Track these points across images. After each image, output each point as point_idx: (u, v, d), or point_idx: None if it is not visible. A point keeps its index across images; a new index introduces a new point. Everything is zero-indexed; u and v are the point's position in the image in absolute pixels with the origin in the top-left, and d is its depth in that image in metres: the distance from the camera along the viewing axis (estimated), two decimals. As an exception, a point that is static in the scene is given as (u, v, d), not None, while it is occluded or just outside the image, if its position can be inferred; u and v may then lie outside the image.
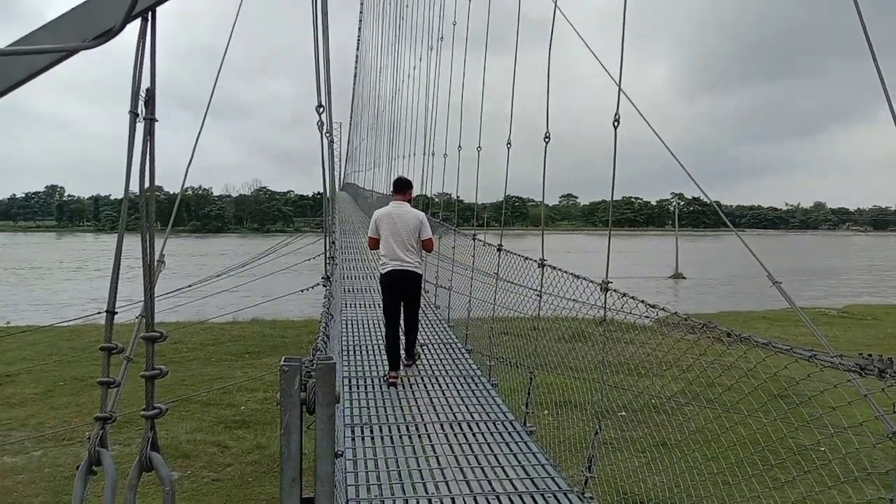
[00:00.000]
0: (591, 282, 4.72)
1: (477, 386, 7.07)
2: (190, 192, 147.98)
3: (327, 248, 4.50)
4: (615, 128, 4.38)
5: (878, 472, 2.56)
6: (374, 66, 32.84)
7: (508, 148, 6.78)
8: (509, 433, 5.74)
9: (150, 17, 1.87)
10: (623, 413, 8.73)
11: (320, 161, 4.45)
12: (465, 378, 7.37)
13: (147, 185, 1.81)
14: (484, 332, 7.86)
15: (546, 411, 7.09)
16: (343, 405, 6.15)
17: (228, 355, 19.54)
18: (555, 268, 5.52)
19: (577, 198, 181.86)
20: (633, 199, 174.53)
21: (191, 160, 3.93)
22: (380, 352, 8.40)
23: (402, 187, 7.91)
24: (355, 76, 46.52)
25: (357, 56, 45.22)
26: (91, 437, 1.91)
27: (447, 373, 7.60)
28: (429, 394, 6.79)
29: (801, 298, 36.56)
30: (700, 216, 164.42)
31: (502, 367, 7.22)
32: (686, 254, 58.73)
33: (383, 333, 7.86)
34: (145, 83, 1.77)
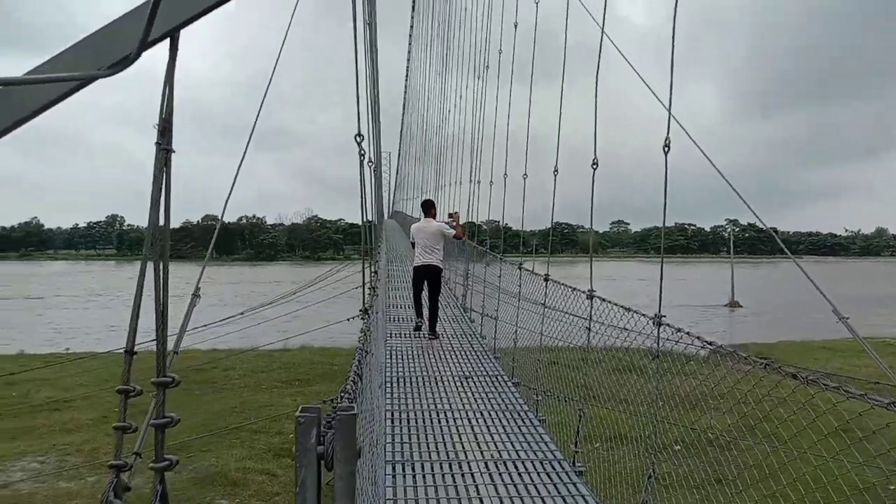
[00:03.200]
0: (643, 315, 4.48)
1: (523, 422, 6.81)
2: (244, 221, 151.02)
3: (365, 276, 4.33)
4: (665, 153, 4.17)
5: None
6: (421, 96, 33.01)
7: (555, 175, 6.60)
8: (557, 473, 5.47)
9: (171, 44, 1.78)
10: (679, 447, 8.36)
11: (362, 190, 4.34)
12: (511, 412, 7.13)
13: (162, 217, 1.69)
14: (531, 363, 7.63)
15: (597, 444, 6.79)
16: (385, 440, 5.97)
17: (278, 382, 19.61)
18: (604, 300, 5.29)
19: (628, 224, 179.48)
20: (686, 226, 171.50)
21: (231, 189, 3.86)
22: (424, 382, 8.26)
23: (427, 207, 12.17)
24: (404, 105, 46.87)
25: (406, 85, 45.59)
26: (106, 487, 1.80)
27: (492, 406, 7.37)
28: (473, 429, 6.56)
29: (863, 327, 34.69)
30: (756, 243, 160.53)
31: (550, 401, 6.96)
32: (742, 281, 57.25)
33: (422, 346, 10.45)
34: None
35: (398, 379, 8.39)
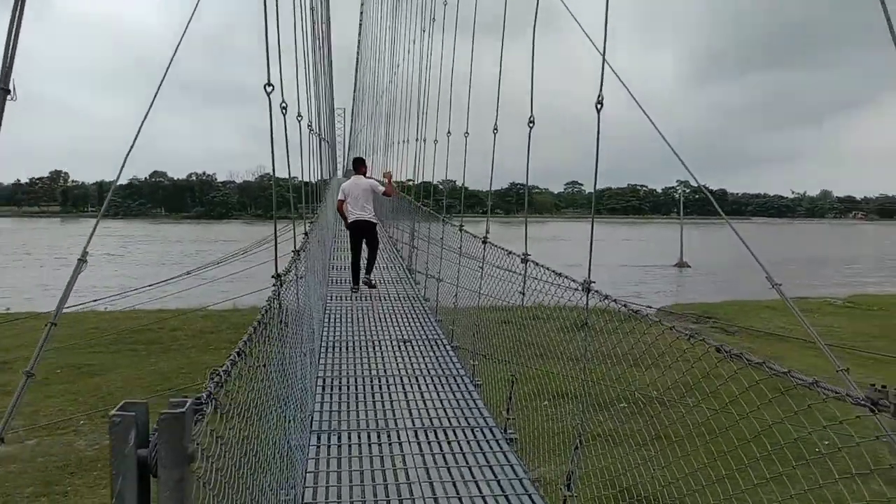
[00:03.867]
0: (573, 281, 4.29)
1: (459, 387, 6.64)
2: (194, 178, 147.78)
3: (277, 238, 3.99)
4: (598, 110, 3.95)
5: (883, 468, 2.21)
6: (372, 51, 32.16)
7: (495, 133, 6.34)
8: (487, 441, 5.31)
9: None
10: (623, 404, 8.34)
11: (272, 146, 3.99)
12: (447, 378, 6.95)
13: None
14: (469, 325, 7.46)
15: (545, 402, 6.63)
16: (311, 409, 5.75)
17: (227, 343, 19.22)
18: (538, 264, 5.09)
19: (582, 185, 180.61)
20: (638, 187, 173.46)
21: (133, 144, 3.49)
22: (361, 347, 8.05)
23: (357, 165, 12.48)
24: (357, 62, 45.81)
25: (359, 41, 44.48)
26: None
27: (429, 372, 7.18)
28: (406, 395, 6.35)
29: (807, 287, 36.04)
30: (706, 204, 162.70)
31: (487, 365, 6.80)
32: (691, 242, 58.16)
33: (363, 308, 10.24)
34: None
35: (334, 343, 8.14)
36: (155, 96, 3.38)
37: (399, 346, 8.09)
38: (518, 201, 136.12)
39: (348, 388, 6.52)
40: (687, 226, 58.32)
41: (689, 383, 3.39)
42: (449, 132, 9.00)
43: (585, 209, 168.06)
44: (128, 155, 3.30)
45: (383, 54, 25.36)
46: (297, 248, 5.06)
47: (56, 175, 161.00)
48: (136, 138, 3.40)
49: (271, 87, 3.69)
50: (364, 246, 11.76)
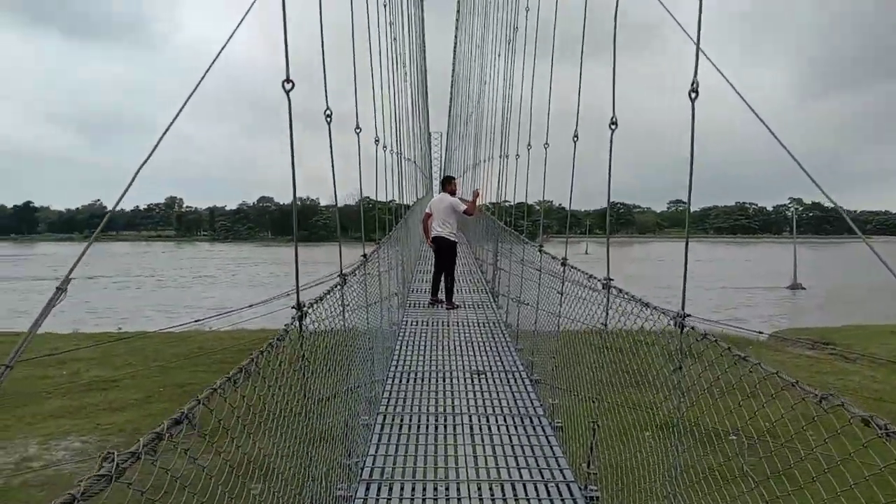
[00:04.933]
0: (664, 313, 3.44)
1: (535, 430, 5.78)
2: (299, 203, 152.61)
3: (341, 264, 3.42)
4: (692, 100, 3.15)
5: None
6: (464, 75, 31.74)
7: (575, 141, 5.50)
8: (563, 500, 4.47)
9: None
10: (734, 437, 7.25)
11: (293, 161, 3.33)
12: (521, 419, 6.09)
13: None
14: (549, 357, 6.62)
15: (648, 433, 5.69)
16: (364, 455, 5.07)
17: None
18: (621, 291, 4.23)
19: (685, 203, 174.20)
20: (747, 205, 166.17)
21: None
22: (431, 379, 7.36)
23: (444, 183, 12.53)
24: (451, 86, 45.64)
25: (453, 66, 44.28)
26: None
27: (501, 411, 6.35)
28: (473, 439, 5.56)
29: (937, 311, 32.94)
30: (821, 222, 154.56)
31: (568, 401, 5.93)
32: (805, 262, 54.73)
33: (438, 334, 9.75)
34: None
35: (402, 374, 7.47)
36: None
37: (472, 379, 7.33)
38: (619, 220, 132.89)
39: (409, 428, 5.80)
40: (800, 245, 54.84)
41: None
42: (529, 145, 8.22)
43: (691, 228, 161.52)
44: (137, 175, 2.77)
45: (473, 75, 24.79)
46: (342, 271, 4.41)
47: (171, 201, 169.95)
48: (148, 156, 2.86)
49: (291, 85, 3.04)
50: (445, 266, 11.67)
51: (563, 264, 5.92)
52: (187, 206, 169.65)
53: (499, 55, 14.81)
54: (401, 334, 9.41)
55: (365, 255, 5.86)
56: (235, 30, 2.95)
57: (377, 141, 7.99)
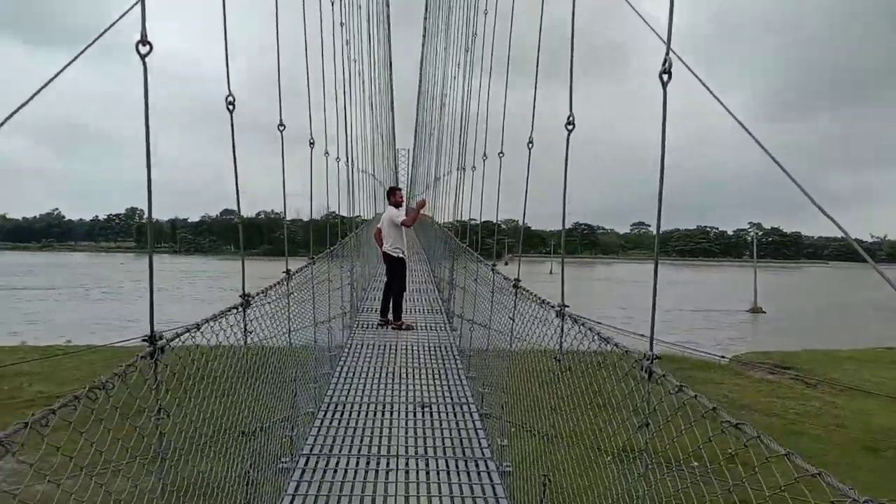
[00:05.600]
0: (627, 353, 2.78)
1: (480, 477, 5.02)
2: (262, 217, 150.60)
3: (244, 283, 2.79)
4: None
5: None
6: (427, 90, 31.32)
7: (530, 147, 4.86)
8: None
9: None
10: (696, 463, 6.65)
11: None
12: (466, 462, 5.33)
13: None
14: (499, 389, 5.92)
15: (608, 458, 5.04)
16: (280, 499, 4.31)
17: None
18: (576, 320, 3.57)
19: (648, 226, 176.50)
20: (707, 229, 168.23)
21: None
22: (369, 412, 6.59)
23: (388, 194, 11.86)
24: (418, 100, 45.18)
25: (419, 83, 43.85)
26: None
27: (444, 452, 5.60)
28: (408, 488, 4.80)
29: (893, 337, 33.10)
30: (780, 247, 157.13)
31: (518, 441, 5.25)
32: (765, 286, 55.08)
33: (385, 359, 8.96)
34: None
35: (336, 406, 6.68)
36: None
37: (415, 413, 6.58)
38: (583, 241, 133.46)
39: (334, 474, 5.02)
40: (760, 269, 55.21)
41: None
42: (485, 155, 7.53)
43: (652, 250, 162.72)
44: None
45: (436, 90, 24.35)
46: (245, 293, 3.69)
47: (132, 212, 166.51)
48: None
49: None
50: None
51: (515, 286, 5.22)
52: (147, 218, 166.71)
53: (458, 65, 14.25)
54: (342, 359, 8.63)
55: (288, 272, 5.11)
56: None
57: (327, 154, 7.78)
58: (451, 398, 7.17)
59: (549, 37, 4.71)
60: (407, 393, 7.30)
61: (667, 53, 2.51)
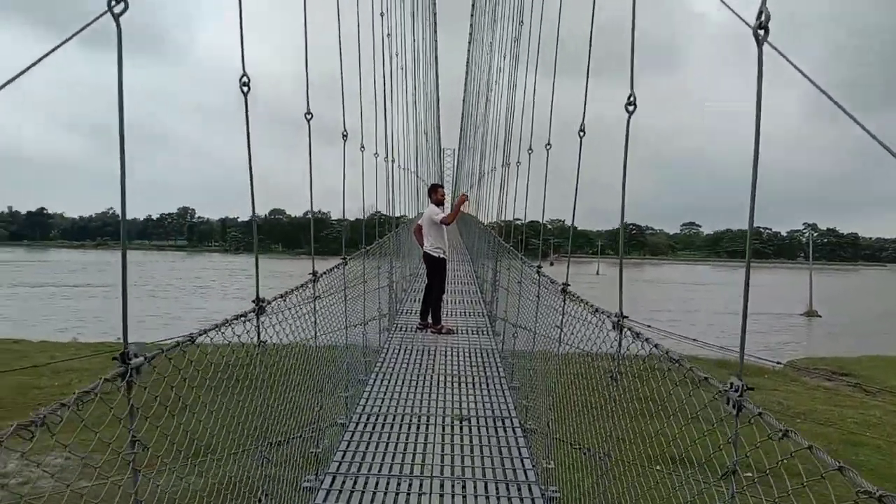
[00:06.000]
0: (710, 386, 2.26)
1: (522, 502, 4.55)
2: (309, 217, 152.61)
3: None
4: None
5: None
6: (473, 89, 30.94)
7: (548, 149, 4.46)
8: None
9: None
10: (749, 474, 6.06)
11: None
12: (508, 485, 4.82)
13: None
14: (544, 404, 5.39)
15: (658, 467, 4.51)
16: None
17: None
18: (638, 334, 3.05)
19: (700, 226, 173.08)
20: (761, 230, 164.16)
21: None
22: (404, 426, 6.12)
23: (430, 191, 11.33)
24: (463, 101, 44.76)
25: (465, 82, 43.42)
26: None
27: (483, 474, 5.06)
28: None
29: (964, 344, 31.60)
30: (836, 249, 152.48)
31: (568, 459, 4.72)
32: (820, 289, 53.27)
33: (423, 366, 8.49)
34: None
35: (369, 418, 6.20)
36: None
37: (453, 427, 6.07)
38: (631, 241, 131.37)
39: (363, 494, 4.55)
40: (815, 272, 53.41)
41: None
42: (531, 149, 7.02)
43: (702, 251, 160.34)
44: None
45: (481, 90, 23.92)
46: (259, 297, 3.27)
47: (184, 211, 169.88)
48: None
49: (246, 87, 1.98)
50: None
51: (564, 291, 4.68)
52: (199, 217, 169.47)
53: (504, 56, 13.76)
54: (378, 364, 8.19)
55: (315, 274, 4.67)
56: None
57: (363, 149, 7.51)
58: (493, 411, 6.61)
59: (598, 34, 4.35)
60: (445, 404, 6.77)
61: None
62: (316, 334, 4.61)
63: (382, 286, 9.84)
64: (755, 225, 2.21)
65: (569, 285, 4.66)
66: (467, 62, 42.88)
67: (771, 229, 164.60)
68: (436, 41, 35.88)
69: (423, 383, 7.52)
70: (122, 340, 2.14)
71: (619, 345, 3.23)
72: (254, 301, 3.36)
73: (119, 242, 2.12)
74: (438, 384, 7.47)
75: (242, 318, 3.07)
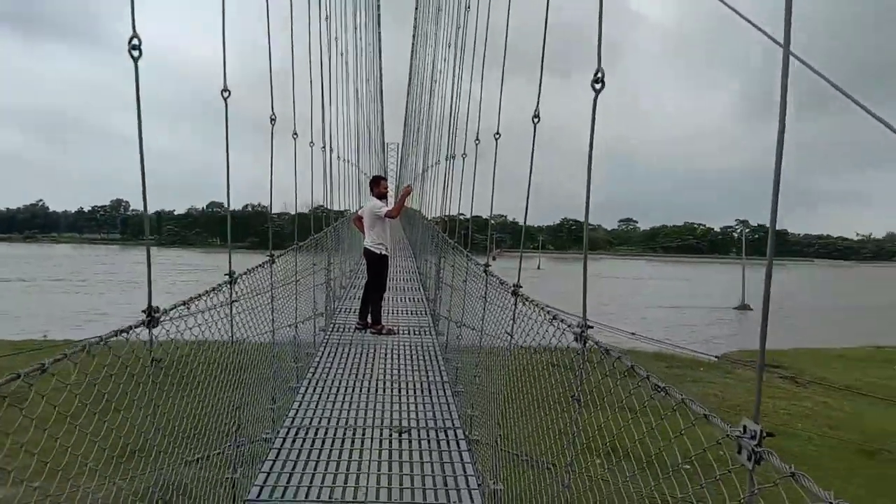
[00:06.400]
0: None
1: None
2: (250, 209, 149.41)
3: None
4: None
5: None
6: (417, 83, 30.56)
7: (497, 138, 4.12)
8: None
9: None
10: (687, 466, 5.78)
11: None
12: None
13: None
14: (490, 412, 4.94)
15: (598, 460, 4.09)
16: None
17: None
18: (608, 351, 2.60)
19: (636, 222, 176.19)
20: (695, 225, 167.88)
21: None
22: (335, 438, 5.57)
23: (372, 184, 10.43)
24: (407, 94, 44.19)
25: (409, 75, 42.91)
26: None
27: (424, 496, 4.56)
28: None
29: (883, 335, 32.69)
30: (763, 245, 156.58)
31: (515, 475, 4.28)
32: (752, 283, 54.65)
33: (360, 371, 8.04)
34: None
35: (298, 430, 5.64)
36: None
37: (391, 440, 5.55)
38: (570, 237, 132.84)
39: None
40: (747, 267, 54.77)
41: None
42: (478, 139, 6.59)
43: (639, 246, 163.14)
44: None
45: (425, 82, 23.52)
46: (151, 307, 2.70)
47: (117, 203, 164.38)
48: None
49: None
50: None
51: (515, 294, 4.21)
52: (133, 210, 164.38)
53: (445, 60, 13.37)
54: (311, 369, 7.58)
55: (231, 275, 4.10)
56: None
57: (312, 144, 7.62)
58: (435, 418, 6.08)
59: (537, 31, 4.17)
60: (384, 413, 6.21)
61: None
62: (233, 340, 4.03)
63: (318, 284, 9.23)
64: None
65: (521, 287, 4.20)
66: (411, 55, 42.35)
67: (705, 225, 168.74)
68: (379, 33, 35.38)
69: (360, 389, 6.92)
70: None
71: (584, 360, 2.76)
72: (144, 311, 2.79)
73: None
74: (377, 391, 6.90)
75: (128, 332, 2.50)
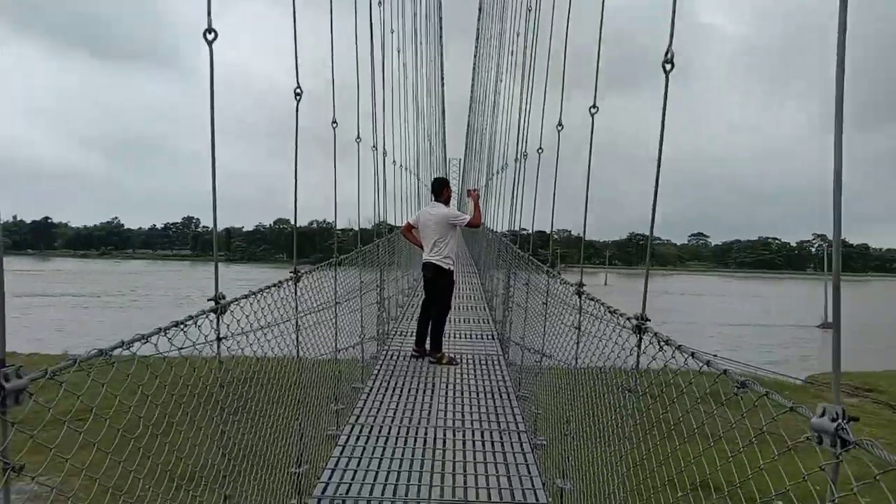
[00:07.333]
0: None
1: None
2: (315, 226, 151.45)
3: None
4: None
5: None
6: (478, 102, 30.06)
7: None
8: None
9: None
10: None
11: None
12: None
13: None
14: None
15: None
16: None
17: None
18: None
19: (708, 237, 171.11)
20: (770, 240, 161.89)
21: None
22: None
23: (439, 187, 8.91)
24: (469, 111, 43.51)
25: (471, 95, 42.36)
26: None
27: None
28: None
29: None
30: (845, 259, 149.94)
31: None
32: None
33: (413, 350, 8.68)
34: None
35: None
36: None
37: (454, 440, 4.17)
38: (638, 253, 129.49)
39: None
40: (828, 282, 51.68)
41: None
42: (541, 148, 5.71)
43: (711, 262, 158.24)
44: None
45: (487, 97, 22.92)
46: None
47: (188, 221, 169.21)
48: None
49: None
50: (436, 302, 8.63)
51: (580, 294, 2.86)
52: (204, 227, 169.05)
53: (509, 71, 12.56)
54: (355, 412, 6.18)
55: (218, 299, 2.90)
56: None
57: (359, 140, 6.89)
58: (511, 489, 4.52)
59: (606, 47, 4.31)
60: (442, 478, 4.66)
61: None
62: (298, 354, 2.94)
63: (368, 305, 7.92)
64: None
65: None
66: (473, 68, 41.62)
67: (780, 239, 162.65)
68: (441, 47, 34.86)
69: (414, 440, 5.40)
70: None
71: (639, 349, 2.56)
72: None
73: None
74: (434, 441, 5.37)
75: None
